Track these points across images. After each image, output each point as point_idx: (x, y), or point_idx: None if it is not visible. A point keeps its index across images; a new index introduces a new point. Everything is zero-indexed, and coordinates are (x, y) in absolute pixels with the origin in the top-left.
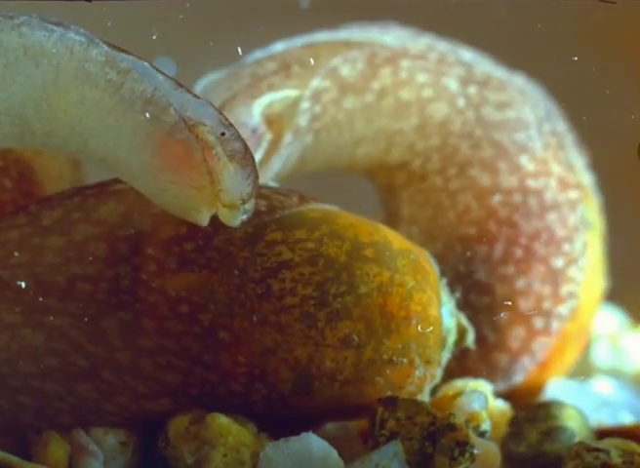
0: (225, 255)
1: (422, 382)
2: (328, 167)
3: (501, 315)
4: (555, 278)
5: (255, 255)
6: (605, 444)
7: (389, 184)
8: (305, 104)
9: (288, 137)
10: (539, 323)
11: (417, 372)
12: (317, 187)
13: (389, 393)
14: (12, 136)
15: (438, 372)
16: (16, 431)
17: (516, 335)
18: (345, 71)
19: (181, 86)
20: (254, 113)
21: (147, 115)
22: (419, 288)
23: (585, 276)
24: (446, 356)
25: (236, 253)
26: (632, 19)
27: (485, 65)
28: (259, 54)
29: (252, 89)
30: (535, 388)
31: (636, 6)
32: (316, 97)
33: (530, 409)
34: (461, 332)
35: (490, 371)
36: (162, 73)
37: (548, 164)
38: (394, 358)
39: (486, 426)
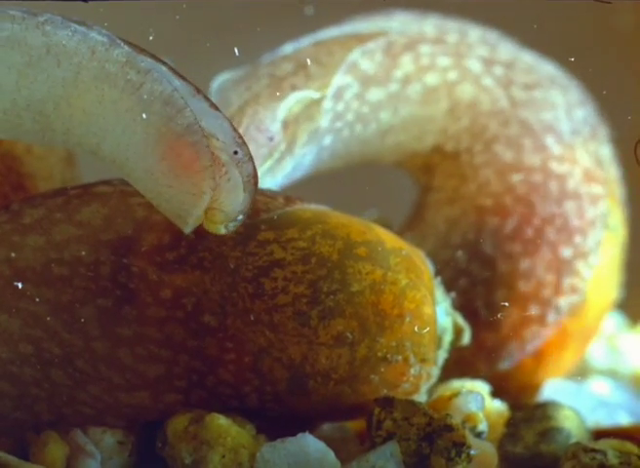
0: (217, 255)
1: (418, 381)
2: (351, 163)
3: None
4: (560, 267)
5: (246, 255)
6: (602, 444)
7: (424, 165)
8: (328, 104)
9: (303, 139)
10: (533, 309)
11: (412, 371)
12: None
13: (385, 391)
14: (33, 133)
15: (434, 371)
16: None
17: (508, 316)
18: (365, 64)
19: (199, 92)
20: (278, 118)
21: (163, 115)
22: (412, 286)
23: (595, 276)
24: (442, 355)
25: (228, 253)
26: (631, 19)
27: (510, 48)
28: (269, 56)
29: (274, 90)
30: (531, 382)
31: (635, 6)
32: (338, 94)
33: (526, 410)
34: (458, 332)
35: (475, 350)
36: (181, 77)
37: (575, 151)
38: (388, 356)
39: (483, 427)
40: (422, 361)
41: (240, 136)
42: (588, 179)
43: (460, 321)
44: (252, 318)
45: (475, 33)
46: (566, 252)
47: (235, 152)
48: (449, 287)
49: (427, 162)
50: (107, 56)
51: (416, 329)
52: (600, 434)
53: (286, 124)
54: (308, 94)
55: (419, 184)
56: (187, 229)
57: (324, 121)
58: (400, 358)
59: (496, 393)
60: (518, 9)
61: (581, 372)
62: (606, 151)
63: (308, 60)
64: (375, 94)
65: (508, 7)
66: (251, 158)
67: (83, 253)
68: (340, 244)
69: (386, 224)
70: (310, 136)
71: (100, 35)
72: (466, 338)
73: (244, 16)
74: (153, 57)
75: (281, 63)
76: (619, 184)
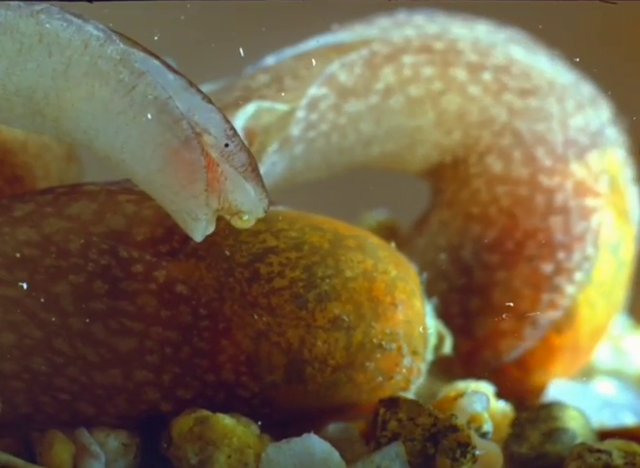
0: (211, 244)
1: (410, 375)
2: (336, 172)
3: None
4: (539, 282)
5: (240, 243)
6: (607, 445)
7: (430, 171)
8: (301, 113)
9: (273, 147)
10: (509, 322)
11: (405, 362)
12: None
13: (380, 380)
14: (24, 117)
15: (423, 368)
16: None
17: (482, 326)
18: (343, 76)
19: (192, 85)
20: (236, 124)
21: (159, 124)
22: (401, 278)
23: (587, 293)
24: (428, 357)
25: (221, 242)
26: (633, 19)
27: (506, 50)
28: (250, 68)
29: (242, 100)
30: (519, 389)
31: (637, 6)
32: (313, 105)
33: (532, 411)
34: (440, 338)
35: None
36: (174, 71)
37: (568, 163)
38: (383, 343)
39: (488, 427)
40: (414, 353)
41: (232, 128)
42: (581, 192)
43: (442, 328)
44: (250, 302)
45: (467, 36)
46: (547, 267)
47: (226, 145)
48: (429, 289)
49: (432, 169)
50: (101, 51)
51: (407, 318)
52: (605, 434)
53: (251, 132)
54: (272, 104)
55: (430, 186)
56: (197, 239)
57: (295, 130)
58: (394, 346)
59: (500, 394)
60: (522, 8)
61: (587, 373)
62: (612, 159)
63: (285, 73)
64: (353, 105)
65: (512, 7)
66: (243, 147)
67: (72, 242)
68: (330, 235)
69: (393, 225)
70: (280, 145)
71: (96, 29)
72: (447, 346)
73: (249, 16)
74: (146, 51)
75: (259, 76)
76: (630, 198)
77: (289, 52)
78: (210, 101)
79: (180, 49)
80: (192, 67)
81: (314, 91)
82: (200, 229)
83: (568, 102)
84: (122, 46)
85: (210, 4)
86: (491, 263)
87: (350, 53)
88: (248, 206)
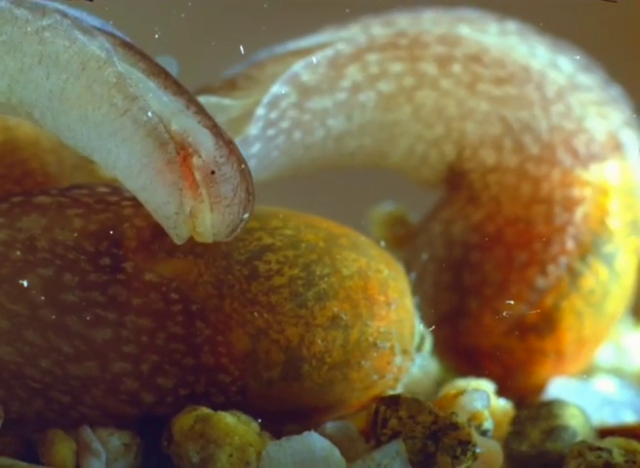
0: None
1: (399, 373)
2: (305, 168)
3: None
4: (507, 271)
5: (236, 240)
6: (607, 443)
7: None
8: (261, 111)
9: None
10: (472, 304)
11: (396, 360)
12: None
13: (375, 378)
14: (29, 120)
15: (411, 367)
16: None
17: (445, 302)
18: (306, 76)
19: (190, 107)
20: None
21: (146, 147)
22: (393, 277)
23: (569, 301)
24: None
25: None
26: (633, 18)
27: (476, 39)
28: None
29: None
30: (535, 381)
31: (636, 5)
32: (273, 103)
33: (532, 408)
34: (422, 338)
35: None
36: (173, 93)
37: (555, 150)
38: (378, 341)
39: (488, 425)
40: (404, 352)
41: (222, 154)
42: (568, 182)
43: (423, 329)
44: (249, 299)
45: (434, 28)
46: (519, 256)
47: (212, 172)
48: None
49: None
50: (97, 75)
51: (400, 318)
52: (605, 432)
53: None
54: (220, 99)
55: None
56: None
57: (254, 129)
58: (388, 345)
59: (501, 391)
60: (521, 8)
61: (587, 371)
62: (627, 169)
63: (238, 77)
64: (318, 102)
65: (513, 6)
66: (228, 179)
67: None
68: (324, 233)
69: (403, 215)
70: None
71: (100, 49)
72: (428, 346)
73: (249, 14)
74: (150, 67)
75: (215, 83)
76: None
77: (245, 64)
78: (206, 124)
79: (180, 47)
80: (194, 66)
81: (276, 89)
82: (178, 238)
83: (547, 88)
84: (120, 68)
85: (210, 2)
86: (469, 242)
87: (311, 54)
88: (202, 229)
